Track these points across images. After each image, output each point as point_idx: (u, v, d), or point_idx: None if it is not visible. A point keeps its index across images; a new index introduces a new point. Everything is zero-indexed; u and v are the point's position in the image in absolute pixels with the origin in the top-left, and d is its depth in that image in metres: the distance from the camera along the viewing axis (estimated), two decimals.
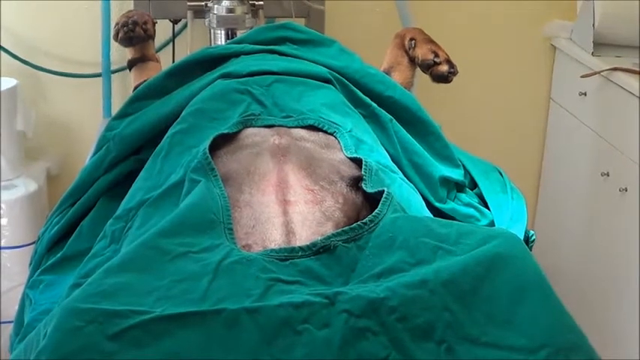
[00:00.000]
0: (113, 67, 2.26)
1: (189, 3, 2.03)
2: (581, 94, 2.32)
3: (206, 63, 1.40)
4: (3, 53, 2.24)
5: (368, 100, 1.36)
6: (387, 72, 1.59)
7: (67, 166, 2.40)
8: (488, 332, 0.84)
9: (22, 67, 2.27)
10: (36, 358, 0.81)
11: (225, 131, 1.16)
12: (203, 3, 1.97)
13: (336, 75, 1.36)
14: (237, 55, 1.41)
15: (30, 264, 1.27)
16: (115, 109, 1.64)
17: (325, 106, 1.25)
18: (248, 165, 1.10)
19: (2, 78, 2.19)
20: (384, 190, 1.05)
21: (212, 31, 1.90)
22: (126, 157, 1.29)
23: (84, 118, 2.37)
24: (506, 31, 2.52)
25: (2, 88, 2.14)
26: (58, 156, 2.41)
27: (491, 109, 2.60)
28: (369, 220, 0.98)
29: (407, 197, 1.16)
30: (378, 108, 1.35)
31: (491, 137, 2.58)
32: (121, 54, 2.12)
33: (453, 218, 1.28)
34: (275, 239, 0.98)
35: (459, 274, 0.87)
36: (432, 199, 1.30)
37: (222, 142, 1.16)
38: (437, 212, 1.28)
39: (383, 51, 1.66)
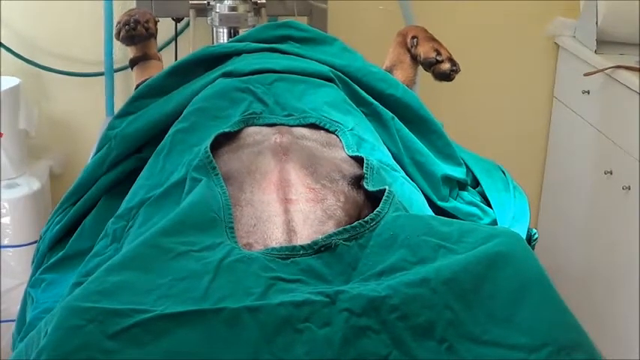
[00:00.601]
0: (116, 66, 2.26)
1: (191, 1, 2.03)
2: (584, 92, 2.31)
3: (208, 61, 1.40)
4: (5, 52, 2.25)
5: (370, 98, 1.35)
6: (390, 70, 1.59)
7: (69, 164, 2.40)
8: (490, 331, 0.84)
9: (24, 66, 2.28)
10: (36, 357, 0.80)
11: (227, 130, 1.16)
12: (205, 1, 1.97)
13: (338, 73, 1.36)
14: (238, 53, 1.40)
15: (32, 262, 1.27)
16: (118, 107, 1.63)
17: (327, 105, 1.25)
18: (249, 164, 1.09)
19: (5, 77, 2.20)
20: (385, 189, 1.05)
21: (214, 29, 1.90)
22: (127, 155, 1.29)
23: (86, 116, 2.38)
24: (509, 30, 2.52)
25: (5, 87, 2.14)
26: (61, 154, 2.41)
27: (494, 108, 2.60)
28: (371, 219, 0.98)
29: (408, 196, 1.15)
30: (380, 106, 1.34)
31: (494, 135, 2.58)
32: (123, 53, 2.12)
33: (455, 217, 1.27)
34: (276, 238, 0.98)
35: (460, 272, 0.87)
36: (434, 197, 1.30)
37: (223, 140, 1.16)
38: (439, 211, 1.28)
39: (385, 49, 1.66)
